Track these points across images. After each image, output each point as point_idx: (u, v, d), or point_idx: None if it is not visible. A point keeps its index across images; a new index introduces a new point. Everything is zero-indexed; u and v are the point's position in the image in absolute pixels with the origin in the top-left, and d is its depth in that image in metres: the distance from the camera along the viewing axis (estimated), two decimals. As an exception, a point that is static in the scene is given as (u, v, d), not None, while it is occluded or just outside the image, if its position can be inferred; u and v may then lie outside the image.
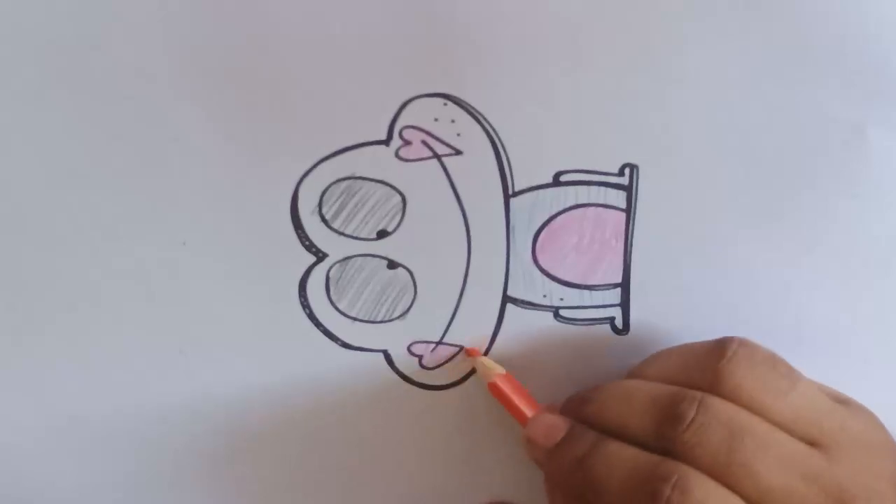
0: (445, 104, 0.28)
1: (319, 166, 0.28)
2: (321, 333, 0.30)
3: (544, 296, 0.30)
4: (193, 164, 0.27)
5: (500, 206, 0.29)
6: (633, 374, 0.29)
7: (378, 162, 0.28)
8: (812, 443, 0.25)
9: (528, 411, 0.29)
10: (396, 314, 0.30)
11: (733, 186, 0.29)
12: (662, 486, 0.24)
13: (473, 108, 0.28)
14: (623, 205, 0.29)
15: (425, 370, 0.31)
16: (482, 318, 0.30)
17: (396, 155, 0.28)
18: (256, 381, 0.30)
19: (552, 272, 0.30)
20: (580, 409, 0.28)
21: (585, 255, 0.30)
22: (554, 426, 0.27)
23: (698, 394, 0.25)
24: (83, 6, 0.25)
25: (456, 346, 0.31)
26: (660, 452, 0.25)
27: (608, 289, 0.30)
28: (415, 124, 0.28)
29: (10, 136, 0.27)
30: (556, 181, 0.29)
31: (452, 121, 0.28)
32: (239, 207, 0.28)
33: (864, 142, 0.29)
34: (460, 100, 0.28)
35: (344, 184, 0.28)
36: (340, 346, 0.30)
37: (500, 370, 0.30)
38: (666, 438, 0.25)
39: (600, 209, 0.29)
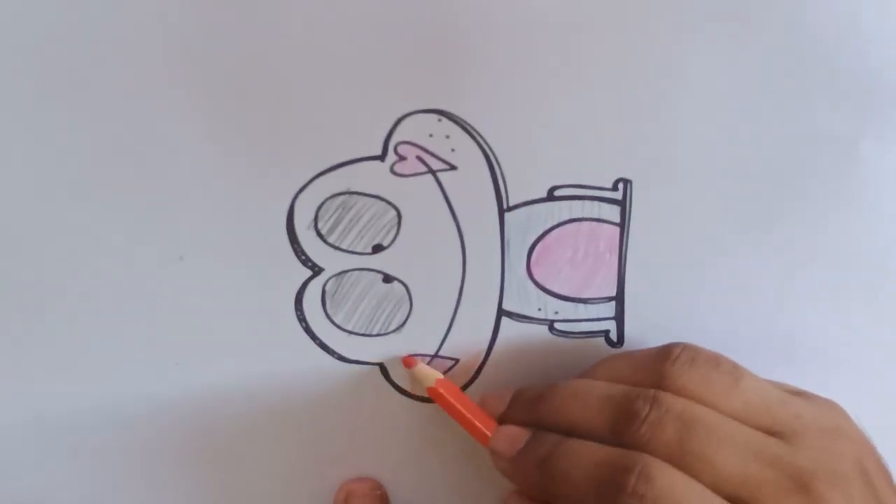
0: (440, 120, 0.28)
1: (315, 181, 0.28)
2: (317, 347, 0.30)
3: (539, 309, 0.31)
4: (190, 178, 0.28)
5: (495, 220, 0.29)
6: (584, 376, 0.29)
7: (373, 177, 0.28)
8: (767, 432, 0.25)
9: (471, 411, 0.29)
10: (392, 328, 0.30)
11: (726, 200, 0.30)
12: (627, 477, 0.24)
13: (468, 123, 0.28)
14: (617, 219, 0.30)
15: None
16: (477, 331, 0.31)
17: (391, 170, 0.28)
18: (253, 393, 0.30)
19: (547, 286, 0.30)
20: (534, 407, 0.28)
21: (580, 269, 0.30)
22: (516, 435, 0.28)
23: (651, 391, 0.26)
24: (81, 20, 0.26)
25: (452, 359, 0.31)
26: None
27: (602, 302, 0.31)
28: (410, 140, 0.28)
29: (6, 148, 0.27)
30: (551, 196, 0.29)
31: (447, 136, 0.28)
32: (235, 222, 0.28)
33: (856, 155, 0.29)
34: (455, 115, 0.28)
35: (339, 199, 0.29)
36: (337, 359, 0.30)
37: (438, 375, 0.30)
38: (621, 435, 0.25)
39: (594, 223, 0.30)
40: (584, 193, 0.29)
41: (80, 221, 0.28)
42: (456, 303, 0.30)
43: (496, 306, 0.30)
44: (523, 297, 0.30)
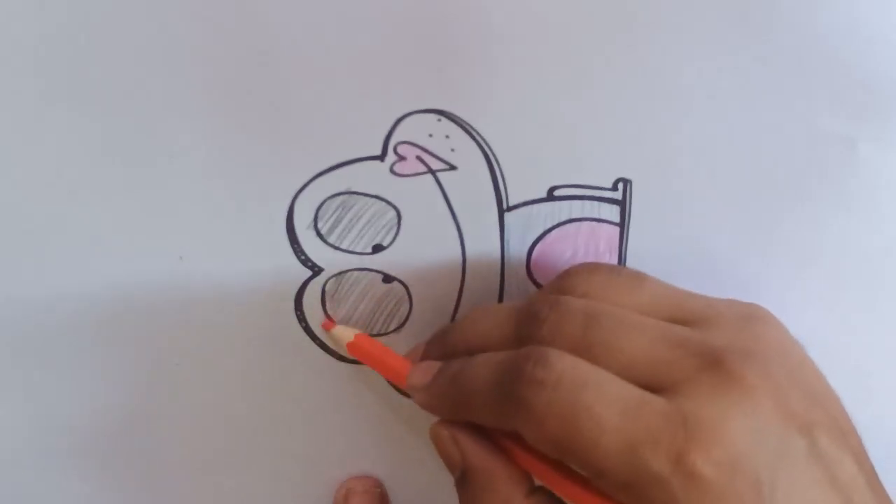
0: (440, 120, 0.28)
1: (315, 181, 0.28)
2: (317, 347, 0.30)
3: (539, 309, 0.31)
4: (190, 178, 0.28)
5: (495, 220, 0.29)
6: None
7: (373, 177, 0.28)
8: (677, 322, 0.25)
9: (390, 359, 0.29)
10: (392, 327, 0.30)
11: (726, 201, 0.30)
12: (524, 364, 0.23)
13: (467, 123, 0.28)
14: (616, 219, 0.30)
15: (421, 383, 0.31)
16: (477, 331, 0.31)
17: (391, 170, 0.28)
18: (253, 393, 0.30)
19: (547, 286, 0.30)
20: (445, 339, 0.28)
21: (579, 269, 0.30)
22: (429, 366, 0.27)
23: (553, 296, 0.25)
24: (81, 21, 0.26)
25: (451, 358, 0.31)
26: None
27: (602, 302, 0.31)
28: (409, 140, 0.28)
29: (6, 149, 0.27)
30: (550, 196, 0.29)
31: (447, 136, 0.28)
32: (235, 222, 0.28)
33: (855, 157, 0.29)
34: (454, 115, 0.28)
35: (339, 199, 0.29)
36: (336, 359, 0.30)
37: (357, 331, 0.29)
38: (525, 338, 0.25)
39: (594, 223, 0.30)
40: (583, 193, 0.29)
41: (80, 221, 0.28)
42: (456, 303, 0.30)
43: (496, 306, 0.30)
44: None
